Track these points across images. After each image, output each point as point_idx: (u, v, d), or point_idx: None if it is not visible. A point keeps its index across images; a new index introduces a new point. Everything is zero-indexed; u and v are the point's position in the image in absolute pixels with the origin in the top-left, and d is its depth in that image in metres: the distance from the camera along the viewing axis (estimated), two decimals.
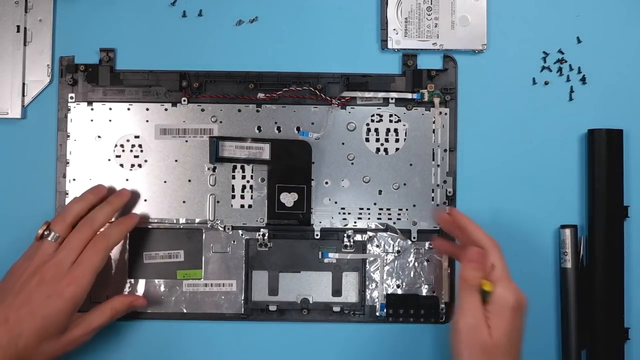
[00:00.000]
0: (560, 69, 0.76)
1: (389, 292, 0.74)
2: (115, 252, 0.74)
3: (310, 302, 0.74)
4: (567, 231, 0.73)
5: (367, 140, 0.75)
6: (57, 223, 0.68)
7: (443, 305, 0.73)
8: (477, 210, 0.74)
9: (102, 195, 0.72)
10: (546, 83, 0.76)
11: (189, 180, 0.74)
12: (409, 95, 0.74)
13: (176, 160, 0.74)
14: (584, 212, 0.75)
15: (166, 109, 0.74)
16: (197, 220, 0.74)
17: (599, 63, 0.76)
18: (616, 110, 0.76)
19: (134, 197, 0.74)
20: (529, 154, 0.75)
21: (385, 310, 0.73)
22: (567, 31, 0.76)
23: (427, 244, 0.74)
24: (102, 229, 0.69)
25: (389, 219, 0.74)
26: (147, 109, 0.74)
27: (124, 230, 0.71)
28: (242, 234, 0.74)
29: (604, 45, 0.76)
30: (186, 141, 0.74)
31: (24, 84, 0.74)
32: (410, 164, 0.74)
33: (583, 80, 0.76)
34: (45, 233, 0.68)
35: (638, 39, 0.76)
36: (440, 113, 0.74)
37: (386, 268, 0.74)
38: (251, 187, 0.74)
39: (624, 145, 0.74)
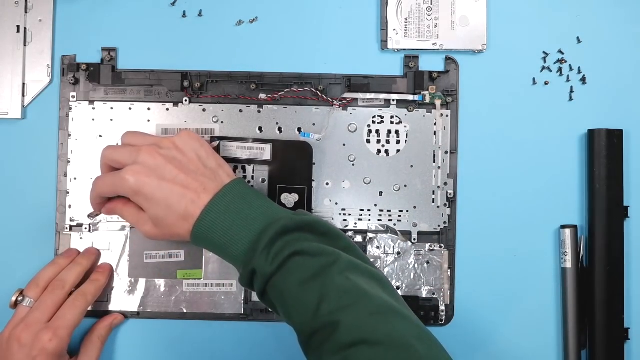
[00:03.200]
0: (560, 69, 0.76)
1: None
2: (115, 253, 0.74)
3: None
4: (567, 231, 0.74)
5: (368, 141, 0.75)
6: (30, 289, 0.68)
7: (443, 307, 0.74)
8: (477, 212, 0.75)
9: (73, 258, 0.72)
10: (546, 83, 0.76)
11: None
12: (410, 97, 0.74)
13: None
14: (584, 212, 0.75)
15: (168, 109, 0.74)
16: None
17: (599, 63, 0.76)
18: (616, 110, 0.76)
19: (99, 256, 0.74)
20: (529, 154, 0.75)
21: None
22: (567, 31, 0.76)
23: (427, 245, 0.74)
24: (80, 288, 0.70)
25: (390, 220, 0.74)
26: (149, 109, 0.74)
27: (99, 287, 0.71)
28: None
29: (604, 45, 0.76)
30: None
31: (24, 84, 0.74)
32: (411, 166, 0.74)
33: (583, 80, 0.76)
34: (19, 299, 0.68)
35: (638, 39, 0.76)
36: (442, 115, 0.74)
37: (386, 269, 0.74)
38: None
39: (624, 145, 0.74)
